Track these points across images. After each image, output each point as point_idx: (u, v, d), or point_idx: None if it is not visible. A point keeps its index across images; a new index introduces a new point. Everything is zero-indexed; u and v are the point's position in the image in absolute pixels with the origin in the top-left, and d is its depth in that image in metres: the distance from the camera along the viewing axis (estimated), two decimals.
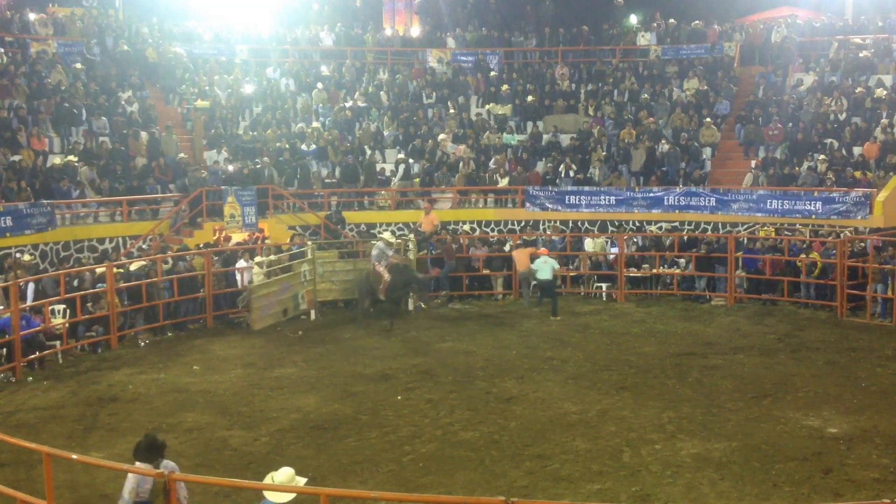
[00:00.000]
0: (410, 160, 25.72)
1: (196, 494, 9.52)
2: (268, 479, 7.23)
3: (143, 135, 24.06)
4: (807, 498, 9.36)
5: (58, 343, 15.87)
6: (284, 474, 7.24)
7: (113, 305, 16.50)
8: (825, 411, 12.21)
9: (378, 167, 25.47)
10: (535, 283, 19.60)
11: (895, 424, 11.65)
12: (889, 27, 27.91)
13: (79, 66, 25.73)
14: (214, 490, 9.65)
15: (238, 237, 21.60)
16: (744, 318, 18.37)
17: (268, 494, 7.05)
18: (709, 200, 23.60)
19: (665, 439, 11.25)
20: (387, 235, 20.28)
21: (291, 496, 7.01)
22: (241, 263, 19.03)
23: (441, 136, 26.68)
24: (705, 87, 28.10)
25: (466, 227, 23.56)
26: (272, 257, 19.42)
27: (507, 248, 21.34)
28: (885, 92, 25.22)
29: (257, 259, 18.92)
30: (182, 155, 23.86)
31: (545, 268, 19.19)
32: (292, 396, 13.39)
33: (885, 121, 24.00)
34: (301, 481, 7.23)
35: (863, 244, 18.62)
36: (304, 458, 10.87)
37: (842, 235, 19.01)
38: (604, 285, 21.00)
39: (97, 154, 22.74)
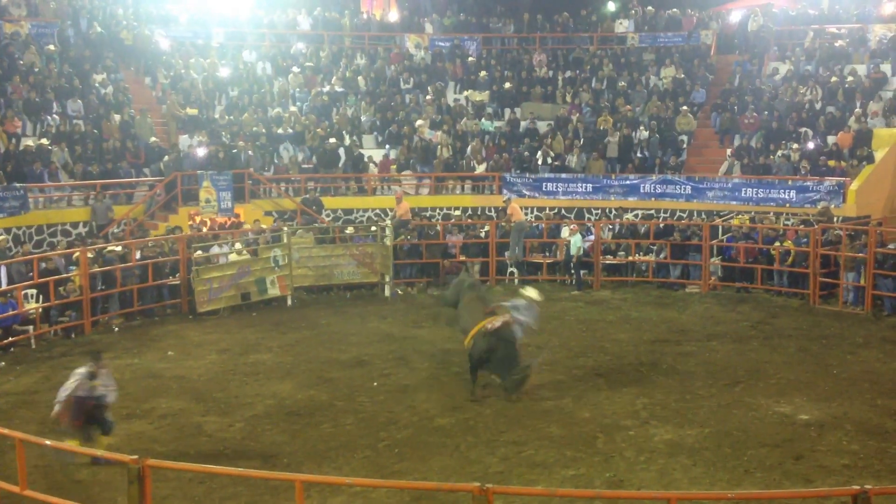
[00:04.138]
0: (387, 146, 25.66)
1: (170, 480, 9.52)
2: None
3: (116, 117, 23.79)
4: (778, 484, 9.47)
5: (30, 328, 15.73)
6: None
7: (87, 290, 16.37)
8: (797, 398, 12.35)
9: (355, 152, 25.35)
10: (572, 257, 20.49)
11: (865, 411, 11.80)
12: (864, 17, 28.09)
13: (52, 47, 25.37)
14: (188, 476, 9.62)
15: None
16: (717, 306, 18.48)
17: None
18: (684, 188, 23.75)
19: (639, 426, 11.34)
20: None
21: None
22: (215, 249, 18.91)
23: (418, 122, 26.59)
24: (682, 76, 28.19)
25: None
26: (256, 242, 19.30)
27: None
28: (851, 78, 25.46)
29: (237, 246, 18.82)
30: (153, 139, 23.60)
31: (577, 243, 20.34)
32: (267, 382, 13.37)
33: (858, 110, 24.21)
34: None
35: (837, 232, 18.80)
36: (279, 443, 10.87)
37: (815, 225, 19.17)
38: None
39: (71, 137, 22.47)
